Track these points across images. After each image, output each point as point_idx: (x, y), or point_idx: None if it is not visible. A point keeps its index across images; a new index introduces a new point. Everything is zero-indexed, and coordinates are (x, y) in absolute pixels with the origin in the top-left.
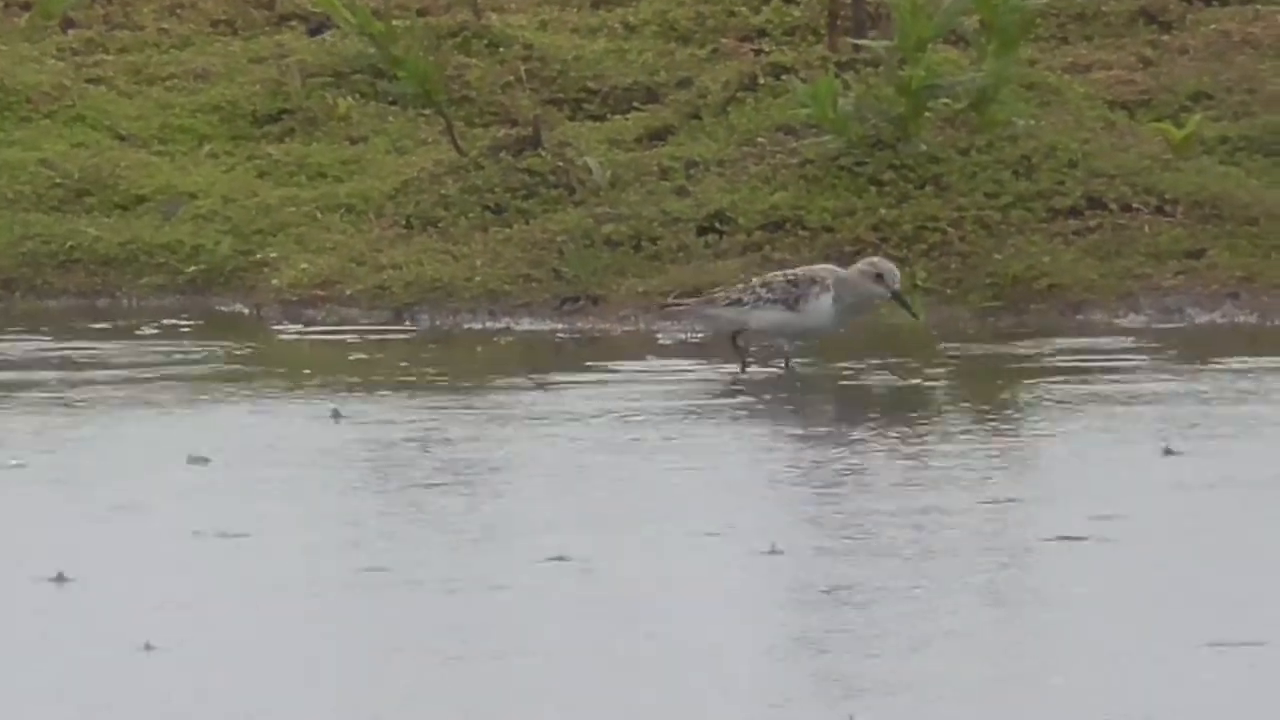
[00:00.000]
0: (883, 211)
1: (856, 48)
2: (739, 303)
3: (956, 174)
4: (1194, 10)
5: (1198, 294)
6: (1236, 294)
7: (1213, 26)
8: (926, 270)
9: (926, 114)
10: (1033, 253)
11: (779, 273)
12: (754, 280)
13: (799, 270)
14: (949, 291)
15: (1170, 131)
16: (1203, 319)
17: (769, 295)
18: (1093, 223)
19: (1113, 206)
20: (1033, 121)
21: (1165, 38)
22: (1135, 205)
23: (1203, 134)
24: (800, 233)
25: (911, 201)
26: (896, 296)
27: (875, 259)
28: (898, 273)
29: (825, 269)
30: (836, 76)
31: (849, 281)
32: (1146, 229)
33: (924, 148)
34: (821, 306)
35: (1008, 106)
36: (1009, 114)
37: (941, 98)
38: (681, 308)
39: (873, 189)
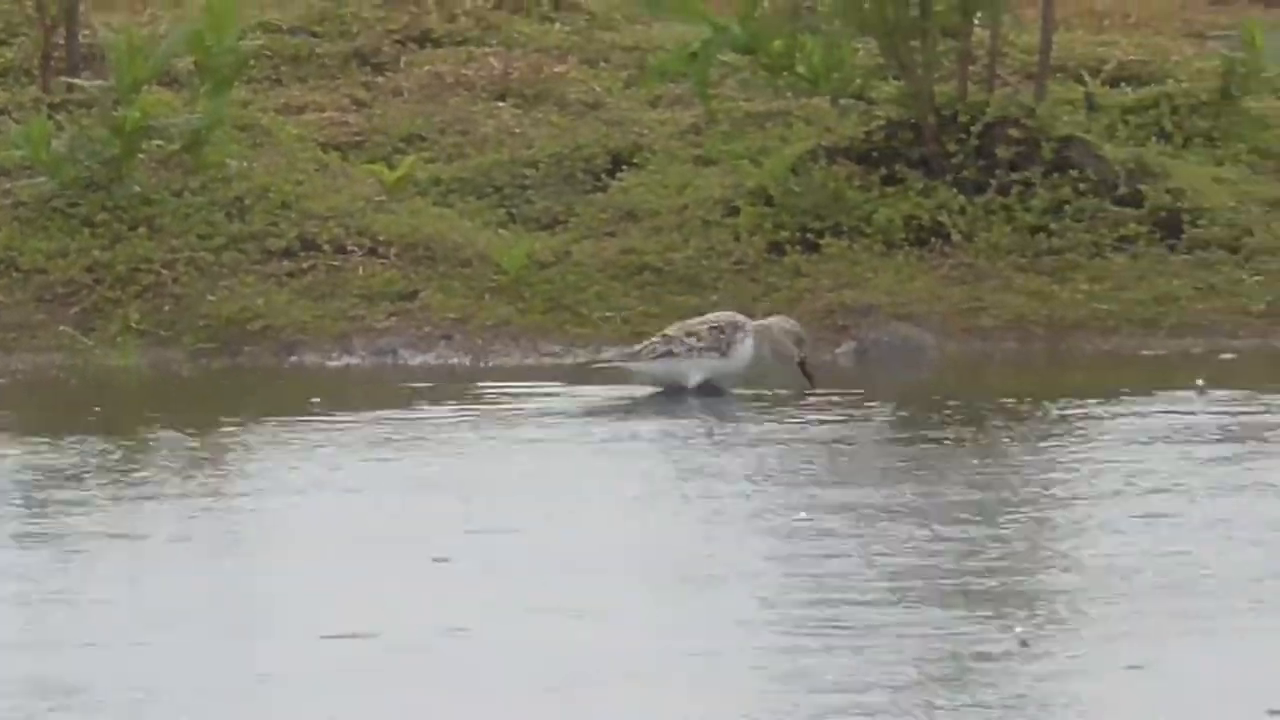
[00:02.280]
0: (96, 253)
1: (70, 88)
2: (669, 354)
3: (170, 215)
4: (408, 52)
5: (411, 335)
6: (450, 335)
7: (426, 68)
8: (140, 312)
9: (141, 155)
10: (246, 294)
11: (698, 323)
12: (671, 332)
13: (715, 318)
14: (163, 333)
15: (383, 173)
16: (416, 360)
17: (700, 345)
18: (306, 264)
19: (326, 248)
20: (246, 163)
21: (379, 79)
22: (349, 247)
23: (416, 176)
24: (14, 274)
25: (125, 243)
26: (802, 365)
27: (794, 320)
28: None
29: (733, 314)
30: (50, 118)
31: (771, 334)
32: (360, 270)
33: (137, 189)
34: (747, 349)
35: (221, 148)
36: (222, 155)
37: (156, 139)
38: (609, 365)
39: (86, 230)
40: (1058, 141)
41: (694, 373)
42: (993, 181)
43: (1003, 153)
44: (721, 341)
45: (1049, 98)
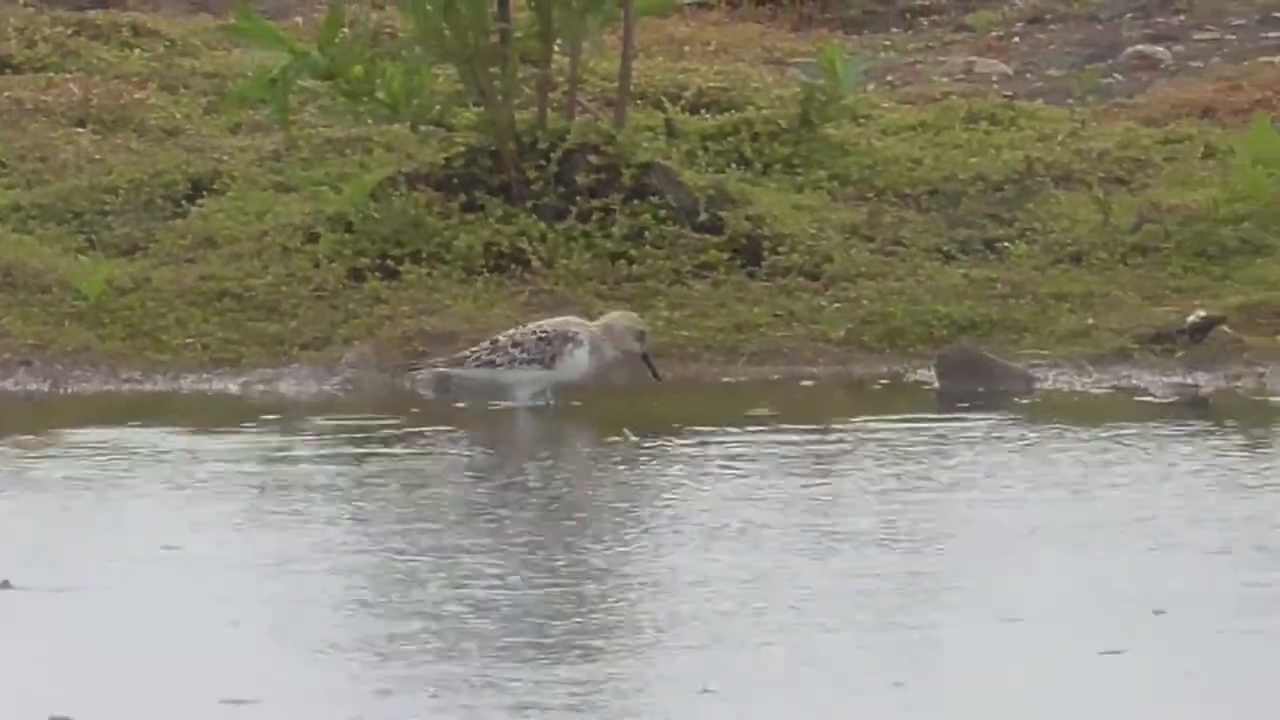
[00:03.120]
0: None
1: None
2: (491, 364)
3: None
4: None
5: None
6: (29, 361)
7: (5, 94)
8: None
9: None
10: None
11: (529, 330)
12: (501, 339)
13: (549, 326)
14: None
15: None
16: None
17: (523, 355)
18: None
19: None
20: None
21: None
22: None
23: None
24: None
25: None
26: (645, 358)
27: (634, 315)
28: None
29: (574, 321)
30: None
31: (614, 333)
32: None
33: None
34: (578, 360)
35: None
36: None
37: None
38: (426, 370)
39: None
40: (638, 168)
41: (517, 387)
42: (573, 208)
43: (583, 179)
44: (546, 353)
45: (629, 124)
